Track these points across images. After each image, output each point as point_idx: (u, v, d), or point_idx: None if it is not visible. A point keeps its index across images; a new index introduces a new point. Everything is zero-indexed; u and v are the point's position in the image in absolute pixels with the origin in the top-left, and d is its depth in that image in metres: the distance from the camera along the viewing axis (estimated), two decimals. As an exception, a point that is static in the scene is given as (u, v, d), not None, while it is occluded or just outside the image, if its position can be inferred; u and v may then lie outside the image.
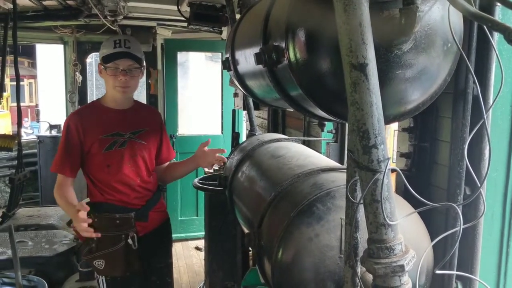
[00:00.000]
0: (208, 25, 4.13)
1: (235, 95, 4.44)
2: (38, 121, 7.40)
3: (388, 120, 1.25)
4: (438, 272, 1.35)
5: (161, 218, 2.83)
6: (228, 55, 1.98)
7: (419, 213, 1.41)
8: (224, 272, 3.18)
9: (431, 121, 1.80)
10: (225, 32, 4.40)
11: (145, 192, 2.68)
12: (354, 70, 0.98)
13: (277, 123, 4.19)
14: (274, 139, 2.54)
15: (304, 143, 2.94)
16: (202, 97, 7.16)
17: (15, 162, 4.96)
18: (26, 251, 3.01)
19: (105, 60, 2.53)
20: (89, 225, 2.32)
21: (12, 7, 3.97)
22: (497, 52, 1.45)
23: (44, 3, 4.44)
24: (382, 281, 1.03)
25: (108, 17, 4.55)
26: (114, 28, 5.17)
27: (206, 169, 3.73)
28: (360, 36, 0.97)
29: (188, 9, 4.04)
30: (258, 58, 1.42)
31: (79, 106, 5.87)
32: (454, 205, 1.22)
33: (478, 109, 1.52)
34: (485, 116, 1.40)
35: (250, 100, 3.37)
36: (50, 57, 11.02)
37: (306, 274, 1.43)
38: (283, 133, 3.94)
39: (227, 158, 2.74)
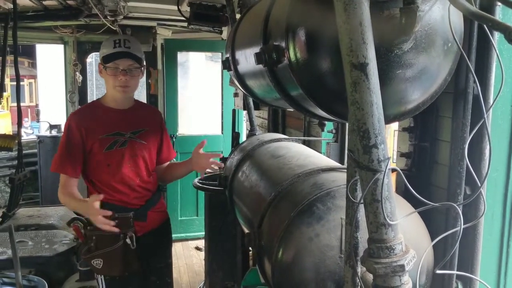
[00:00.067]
0: (208, 25, 4.13)
1: (235, 95, 4.44)
2: (38, 121, 7.39)
3: (388, 120, 1.26)
4: (438, 272, 1.35)
5: (161, 218, 2.83)
6: (228, 55, 1.98)
7: (419, 212, 1.41)
8: (224, 272, 3.18)
9: (431, 120, 1.80)
10: (225, 32, 4.40)
11: (144, 192, 2.68)
12: (354, 69, 0.98)
13: (277, 123, 4.19)
14: (274, 139, 2.54)
15: (304, 143, 2.94)
16: (202, 97, 7.17)
17: (15, 162, 4.95)
18: (26, 251, 3.00)
19: (105, 60, 2.53)
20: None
21: (12, 7, 3.97)
22: (497, 51, 1.45)
23: (44, 3, 4.44)
24: (383, 281, 1.03)
25: (108, 17, 4.56)
26: (114, 28, 5.17)
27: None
28: (360, 35, 0.97)
29: (188, 9, 4.05)
30: (259, 57, 1.42)
31: (79, 106, 5.87)
32: (455, 205, 1.22)
33: (478, 109, 1.52)
34: (485, 116, 1.40)
35: (250, 100, 3.37)
36: (50, 57, 11.02)
37: (306, 274, 1.43)
38: (283, 133, 3.94)
39: (227, 158, 2.74)
